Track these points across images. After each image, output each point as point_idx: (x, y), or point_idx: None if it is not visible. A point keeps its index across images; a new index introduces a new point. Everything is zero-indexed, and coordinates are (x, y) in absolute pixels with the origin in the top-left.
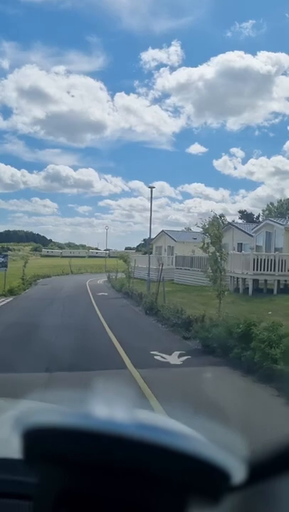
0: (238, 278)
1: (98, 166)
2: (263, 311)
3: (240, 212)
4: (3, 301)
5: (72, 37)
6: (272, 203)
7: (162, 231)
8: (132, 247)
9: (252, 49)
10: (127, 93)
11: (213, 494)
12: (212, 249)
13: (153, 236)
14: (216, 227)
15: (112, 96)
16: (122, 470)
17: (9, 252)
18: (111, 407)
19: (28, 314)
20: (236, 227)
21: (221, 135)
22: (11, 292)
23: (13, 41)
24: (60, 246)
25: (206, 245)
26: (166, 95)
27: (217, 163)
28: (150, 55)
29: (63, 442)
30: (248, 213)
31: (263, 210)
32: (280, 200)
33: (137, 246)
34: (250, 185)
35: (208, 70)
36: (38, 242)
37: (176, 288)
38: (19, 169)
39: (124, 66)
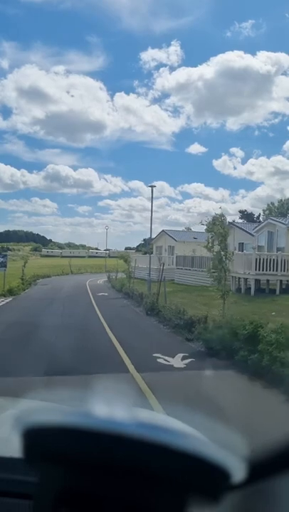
0: (239, 278)
1: (98, 166)
2: (266, 312)
3: (240, 212)
4: (2, 301)
5: (72, 37)
6: (272, 203)
7: (163, 231)
8: (131, 247)
9: (251, 49)
10: (127, 93)
11: (213, 493)
12: (217, 248)
13: (153, 236)
14: (220, 226)
15: (112, 96)
16: (122, 469)
17: (9, 252)
18: (111, 406)
19: (28, 314)
20: (237, 227)
21: (220, 135)
22: (11, 292)
23: (13, 41)
24: (60, 246)
25: (210, 244)
26: (165, 95)
27: (217, 163)
28: (150, 55)
29: (63, 441)
30: (249, 213)
31: (264, 210)
32: (281, 200)
33: (137, 246)
34: (249, 185)
35: (207, 70)
36: (38, 242)
37: (176, 288)
38: (19, 169)
39: (124, 66)
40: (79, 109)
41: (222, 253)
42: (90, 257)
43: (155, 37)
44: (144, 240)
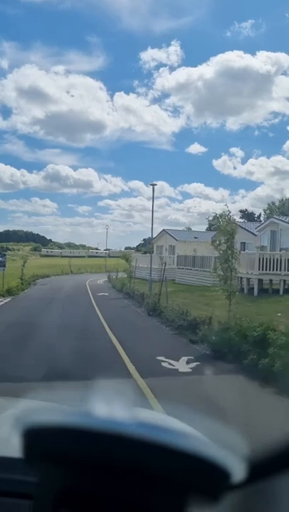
0: (241, 278)
1: (98, 166)
2: (271, 313)
3: (241, 211)
4: (0, 301)
5: (72, 37)
6: (273, 203)
7: (163, 230)
8: (131, 246)
9: (251, 49)
10: (127, 93)
11: (213, 493)
12: (223, 247)
13: (154, 235)
14: (228, 223)
15: (112, 96)
16: (122, 469)
17: (9, 252)
18: (111, 406)
19: (26, 315)
20: (239, 226)
21: (220, 135)
22: (9, 292)
23: (12, 41)
24: (60, 246)
25: (218, 242)
26: (165, 95)
27: (217, 163)
28: (150, 55)
29: (63, 441)
30: (249, 213)
31: (264, 210)
32: (282, 200)
33: (137, 246)
34: (249, 185)
35: (207, 70)
36: (38, 242)
37: (178, 288)
38: (19, 169)
39: (124, 66)
40: (79, 109)
41: (229, 252)
42: (89, 256)
43: (155, 37)
44: (144, 239)
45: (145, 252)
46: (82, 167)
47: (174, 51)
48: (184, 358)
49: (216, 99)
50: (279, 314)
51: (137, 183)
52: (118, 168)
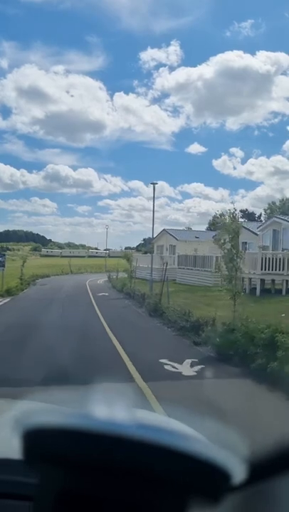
0: (243, 278)
1: (98, 166)
2: (275, 313)
3: (241, 211)
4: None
5: (71, 37)
6: (274, 202)
7: (164, 230)
8: (131, 246)
9: (251, 49)
10: (126, 93)
11: (214, 494)
12: (228, 245)
13: (154, 235)
14: (233, 222)
15: (112, 96)
16: (122, 470)
17: (8, 252)
18: (111, 408)
19: (25, 316)
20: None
21: (220, 135)
22: (8, 293)
23: (12, 41)
24: (60, 246)
25: (222, 241)
26: (165, 95)
27: (216, 163)
28: (149, 55)
29: (63, 443)
30: (250, 212)
31: (265, 210)
32: (283, 199)
33: (137, 246)
34: (249, 185)
35: (207, 70)
36: (38, 241)
37: (179, 288)
38: (18, 169)
39: (124, 66)
40: (78, 109)
41: (233, 251)
42: (89, 256)
43: (155, 37)
44: (144, 239)
45: (145, 252)
46: (81, 167)
47: (173, 51)
48: (188, 361)
49: (215, 99)
50: (283, 315)
51: (136, 183)
52: (118, 168)
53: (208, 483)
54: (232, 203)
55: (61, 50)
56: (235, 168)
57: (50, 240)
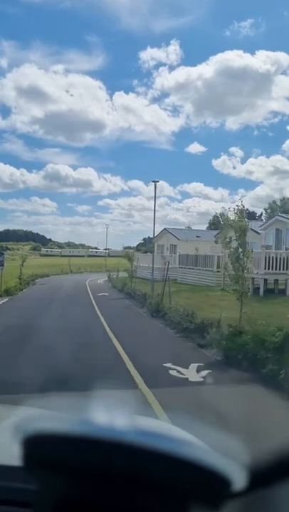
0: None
1: (97, 166)
2: (280, 314)
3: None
4: None
5: (71, 36)
6: (274, 201)
7: (164, 229)
8: (131, 246)
9: (251, 48)
10: (126, 92)
11: (214, 501)
12: (234, 244)
13: (155, 234)
14: (240, 219)
15: (111, 95)
16: (121, 477)
17: (8, 252)
18: (111, 414)
19: (23, 316)
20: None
21: (220, 134)
22: (7, 292)
23: (12, 40)
24: (60, 245)
25: (228, 239)
26: (165, 94)
27: (216, 163)
28: (149, 55)
29: (63, 449)
30: (250, 212)
31: (266, 209)
32: (283, 199)
33: (137, 245)
34: (249, 184)
35: (207, 70)
36: (38, 241)
37: (180, 288)
38: (18, 168)
39: (123, 65)
40: (78, 109)
41: (240, 250)
42: (89, 256)
43: (154, 36)
44: (144, 239)
45: (145, 252)
46: (81, 166)
47: (173, 50)
48: (194, 365)
49: (215, 98)
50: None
51: (136, 183)
52: (118, 168)
53: (208, 490)
54: (240, 199)
55: (61, 50)
56: (234, 168)
57: (49, 240)
